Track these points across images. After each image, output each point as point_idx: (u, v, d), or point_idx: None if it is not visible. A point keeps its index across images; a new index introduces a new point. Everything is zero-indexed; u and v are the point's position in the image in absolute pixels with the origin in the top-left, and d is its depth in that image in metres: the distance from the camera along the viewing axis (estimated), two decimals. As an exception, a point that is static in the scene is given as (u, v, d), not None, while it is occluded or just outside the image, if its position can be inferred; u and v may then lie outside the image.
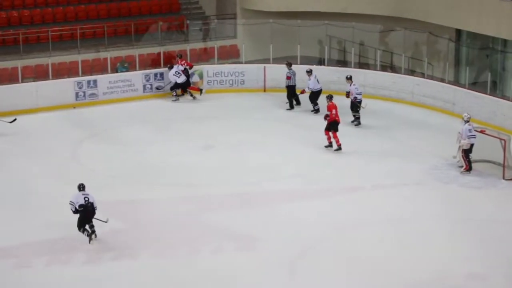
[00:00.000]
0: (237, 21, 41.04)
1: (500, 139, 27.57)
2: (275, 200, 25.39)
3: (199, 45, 39.56)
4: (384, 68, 36.61)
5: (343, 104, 31.30)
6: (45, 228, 23.37)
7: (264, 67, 37.20)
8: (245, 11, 41.05)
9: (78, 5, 39.98)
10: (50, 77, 35.60)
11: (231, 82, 37.14)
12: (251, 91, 36.60)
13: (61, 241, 22.62)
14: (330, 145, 29.17)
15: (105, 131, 31.81)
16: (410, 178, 27.03)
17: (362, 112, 31.92)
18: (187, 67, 36.12)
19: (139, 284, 20.48)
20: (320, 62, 37.81)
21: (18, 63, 35.71)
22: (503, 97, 33.16)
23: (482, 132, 28.37)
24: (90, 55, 37.40)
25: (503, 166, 27.29)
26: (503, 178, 27.05)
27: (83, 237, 22.20)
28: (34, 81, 35.43)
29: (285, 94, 34.33)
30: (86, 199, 22.45)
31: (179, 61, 36.04)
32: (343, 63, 37.87)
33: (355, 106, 32.09)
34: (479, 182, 26.93)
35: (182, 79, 35.40)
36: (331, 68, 37.01)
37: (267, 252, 21.96)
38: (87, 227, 22.31)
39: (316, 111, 33.50)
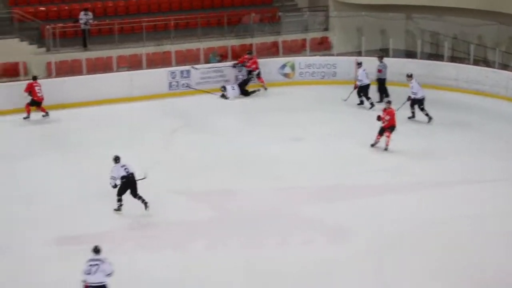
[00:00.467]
0: (329, 13, 40.96)
1: None
2: (364, 192, 25.06)
3: (291, 37, 39.46)
4: (477, 62, 36.06)
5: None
6: (136, 215, 23.57)
7: (356, 59, 36.94)
8: (337, 3, 40.96)
9: (171, -4, 40.35)
10: (144, 66, 35.97)
11: (322, 74, 37.03)
12: (342, 83, 36.35)
13: (151, 227, 22.90)
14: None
15: (197, 121, 31.90)
16: (499, 175, 26.53)
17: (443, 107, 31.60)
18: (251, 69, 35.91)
19: (228, 272, 20.41)
20: (411, 55, 37.39)
21: (113, 53, 36.17)
22: None
23: None
24: (183, 46, 37.58)
25: None
26: None
27: (175, 225, 22.37)
28: (128, 70, 35.75)
29: (374, 86, 34.10)
30: (126, 170, 22.99)
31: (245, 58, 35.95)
32: (435, 56, 37.36)
33: (360, 91, 33.05)
34: None
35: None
36: (423, 62, 36.61)
37: (356, 245, 21.75)
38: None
39: (371, 105, 33.01)
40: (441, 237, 22.20)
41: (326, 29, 40.59)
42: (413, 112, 31.20)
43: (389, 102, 28.33)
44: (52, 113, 32.24)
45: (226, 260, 21.09)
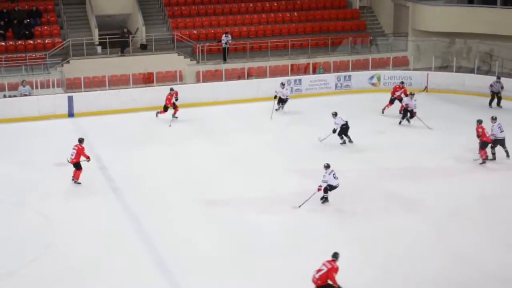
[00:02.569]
0: (408, 38, 40.73)
1: None
2: (433, 174, 25.19)
3: (379, 56, 39.42)
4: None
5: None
6: (253, 185, 24.12)
7: (427, 73, 36.75)
8: (414, 30, 40.74)
9: (290, 23, 40.58)
10: (268, 75, 36.40)
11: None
12: (416, 91, 36.15)
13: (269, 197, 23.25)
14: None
15: (306, 116, 32.17)
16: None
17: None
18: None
19: (328, 234, 20.70)
20: (472, 71, 36.98)
21: (245, 65, 36.70)
22: None
23: None
24: (297, 61, 37.98)
25: None
26: None
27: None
28: (256, 78, 36.24)
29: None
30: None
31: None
32: (488, 72, 36.86)
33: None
34: None
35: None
36: (480, 76, 36.16)
37: (423, 214, 21.91)
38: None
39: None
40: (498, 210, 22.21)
41: (405, 50, 40.34)
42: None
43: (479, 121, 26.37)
44: (195, 109, 32.38)
45: (326, 224, 21.48)
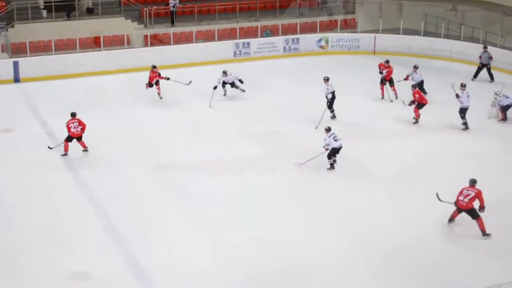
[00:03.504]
0: (356, 0, 40.91)
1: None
2: (385, 136, 25.58)
3: (327, 18, 39.61)
4: (466, 39, 36.02)
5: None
6: (210, 150, 24.25)
7: (375, 36, 37.13)
8: (363, -8, 41.05)
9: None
10: (216, 39, 36.37)
11: (349, 46, 37.20)
12: (364, 53, 36.63)
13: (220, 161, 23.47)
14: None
15: (255, 81, 32.25)
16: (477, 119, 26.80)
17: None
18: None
19: (279, 191, 21.12)
20: (418, 33, 37.42)
21: (193, 29, 36.60)
22: None
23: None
24: (245, 24, 37.98)
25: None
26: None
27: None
28: (204, 42, 36.21)
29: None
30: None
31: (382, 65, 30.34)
32: (434, 34, 37.35)
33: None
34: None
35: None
36: (426, 38, 36.70)
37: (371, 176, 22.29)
38: None
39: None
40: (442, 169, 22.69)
41: (353, 12, 40.56)
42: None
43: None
44: (142, 74, 31.23)
45: (277, 182, 21.78)
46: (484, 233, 18.44)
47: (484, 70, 32.26)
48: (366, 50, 36.81)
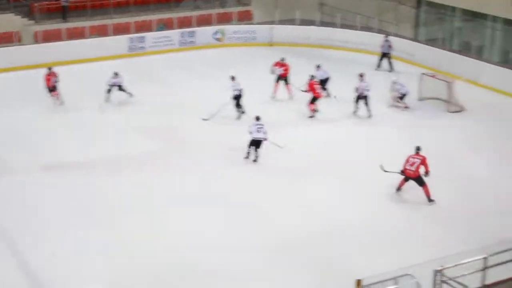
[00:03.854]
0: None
1: (446, 82, 27.70)
2: (281, 128, 25.41)
3: (223, 10, 39.38)
4: (362, 28, 36.41)
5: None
6: (105, 148, 23.80)
7: (271, 27, 37.13)
8: (257, -16, 40.97)
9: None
10: (110, 34, 35.68)
11: (245, 38, 37.06)
12: (261, 45, 36.59)
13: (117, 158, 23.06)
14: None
15: (151, 75, 31.85)
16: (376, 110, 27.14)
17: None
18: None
19: (172, 188, 20.88)
20: (314, 23, 37.61)
21: (86, 24, 35.82)
22: (451, 50, 33.15)
23: (433, 76, 28.47)
24: (140, 18, 37.36)
25: (448, 102, 27.43)
26: (448, 111, 27.21)
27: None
28: (98, 37, 35.50)
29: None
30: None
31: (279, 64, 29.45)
32: (331, 24, 37.61)
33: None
34: (430, 114, 27.08)
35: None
36: (322, 28, 36.89)
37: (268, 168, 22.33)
38: None
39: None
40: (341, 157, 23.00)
41: (249, 4, 40.48)
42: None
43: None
44: (38, 70, 30.23)
45: (169, 179, 21.56)
46: (430, 199, 19.90)
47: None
48: (263, 41, 36.75)
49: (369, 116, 26.46)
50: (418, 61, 33.12)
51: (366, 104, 26.48)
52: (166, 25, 37.07)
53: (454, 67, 31.32)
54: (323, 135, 25.01)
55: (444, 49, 33.10)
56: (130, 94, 28.32)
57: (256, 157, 22.51)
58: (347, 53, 35.10)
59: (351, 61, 32.98)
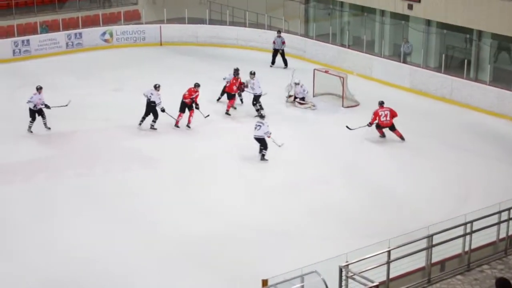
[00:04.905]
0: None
1: (339, 77, 28.18)
2: (174, 130, 25.40)
3: (110, 11, 38.88)
4: (251, 25, 36.62)
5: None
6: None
7: (160, 26, 36.91)
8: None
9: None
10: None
11: (134, 38, 36.67)
12: (150, 45, 36.32)
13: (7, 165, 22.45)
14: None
15: (38, 79, 31.03)
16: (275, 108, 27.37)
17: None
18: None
19: (66, 195, 20.60)
20: (203, 21, 37.58)
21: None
22: (341, 45, 33.73)
23: (326, 72, 28.92)
24: (23, 20, 36.43)
25: (342, 97, 27.91)
26: (342, 106, 27.69)
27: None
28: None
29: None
30: None
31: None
32: (220, 22, 37.72)
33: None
34: (325, 109, 27.47)
35: None
36: (212, 26, 36.94)
37: (165, 170, 22.26)
38: None
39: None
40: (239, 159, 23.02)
41: (136, 3, 40.10)
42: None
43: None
44: None
45: (64, 185, 21.21)
46: (402, 138, 24.22)
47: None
48: (152, 41, 36.51)
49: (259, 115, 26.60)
50: (310, 57, 33.65)
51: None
52: (48, 26, 36.28)
53: (346, 62, 31.97)
54: (225, 135, 25.05)
55: (335, 44, 33.68)
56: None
57: (262, 155, 22.82)
58: (238, 51, 35.23)
59: (242, 59, 33.03)
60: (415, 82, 29.77)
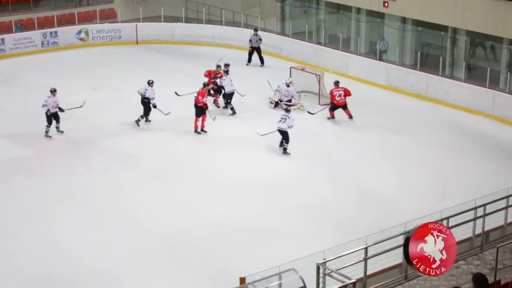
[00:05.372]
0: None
1: (316, 75, 28.33)
2: (154, 128, 25.41)
3: (85, 9, 38.75)
4: (228, 23, 36.68)
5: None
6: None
7: (136, 25, 36.86)
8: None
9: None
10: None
11: (110, 37, 36.61)
12: (126, 44, 36.28)
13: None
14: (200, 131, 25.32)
15: (15, 79, 31.04)
16: (252, 106, 27.50)
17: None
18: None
19: (46, 194, 20.58)
20: (179, 20, 37.58)
21: None
22: (318, 43, 33.89)
23: (302, 70, 29.07)
24: (-1, 19, 36.34)
25: (319, 95, 28.06)
26: (319, 103, 27.81)
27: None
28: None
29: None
30: None
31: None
32: (197, 20, 37.71)
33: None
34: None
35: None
36: (188, 25, 36.97)
37: (146, 169, 22.29)
38: None
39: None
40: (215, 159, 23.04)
41: (111, 2, 39.97)
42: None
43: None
44: None
45: (44, 186, 21.20)
46: (351, 117, 25.65)
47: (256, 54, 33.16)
48: (128, 40, 36.49)
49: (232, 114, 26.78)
50: (286, 54, 33.80)
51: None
52: (23, 25, 36.12)
53: (323, 60, 32.15)
54: (205, 135, 25.07)
55: (311, 42, 33.83)
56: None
57: (283, 148, 23.22)
58: (215, 49, 35.25)
59: (218, 57, 33.08)
60: (391, 80, 30.02)
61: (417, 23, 30.28)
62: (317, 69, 29.64)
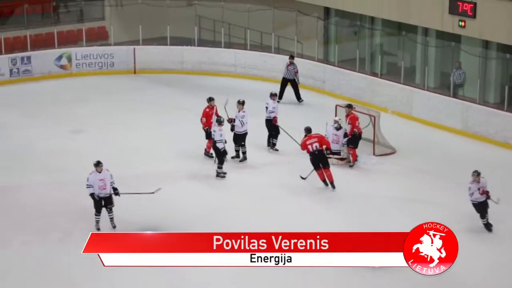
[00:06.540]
0: (105, 2, 40.66)
1: (370, 115, 28.07)
2: (148, 181, 25.33)
3: (67, 28, 38.99)
4: (254, 48, 36.72)
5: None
6: None
7: (134, 48, 37.03)
8: (113, -9, 40.88)
9: None
10: None
11: (100, 64, 36.82)
12: (121, 73, 36.38)
13: None
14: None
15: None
16: (287, 156, 27.46)
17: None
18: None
19: (11, 272, 20.29)
20: (191, 43, 37.69)
21: None
22: (372, 73, 33.75)
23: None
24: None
25: (373, 142, 27.78)
26: (374, 154, 27.52)
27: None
28: None
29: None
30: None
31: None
32: (213, 43, 37.83)
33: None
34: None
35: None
36: (201, 49, 37.03)
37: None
38: None
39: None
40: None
41: (102, 19, 40.27)
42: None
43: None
44: None
45: (7, 259, 20.98)
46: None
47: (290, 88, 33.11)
48: (123, 68, 36.66)
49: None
50: (330, 89, 33.66)
51: None
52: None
53: (379, 96, 31.94)
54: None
55: (363, 72, 33.70)
56: None
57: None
58: (236, 81, 35.24)
59: (241, 91, 33.02)
60: (470, 123, 29.73)
61: (505, 48, 30.02)
62: (371, 109, 29.40)
